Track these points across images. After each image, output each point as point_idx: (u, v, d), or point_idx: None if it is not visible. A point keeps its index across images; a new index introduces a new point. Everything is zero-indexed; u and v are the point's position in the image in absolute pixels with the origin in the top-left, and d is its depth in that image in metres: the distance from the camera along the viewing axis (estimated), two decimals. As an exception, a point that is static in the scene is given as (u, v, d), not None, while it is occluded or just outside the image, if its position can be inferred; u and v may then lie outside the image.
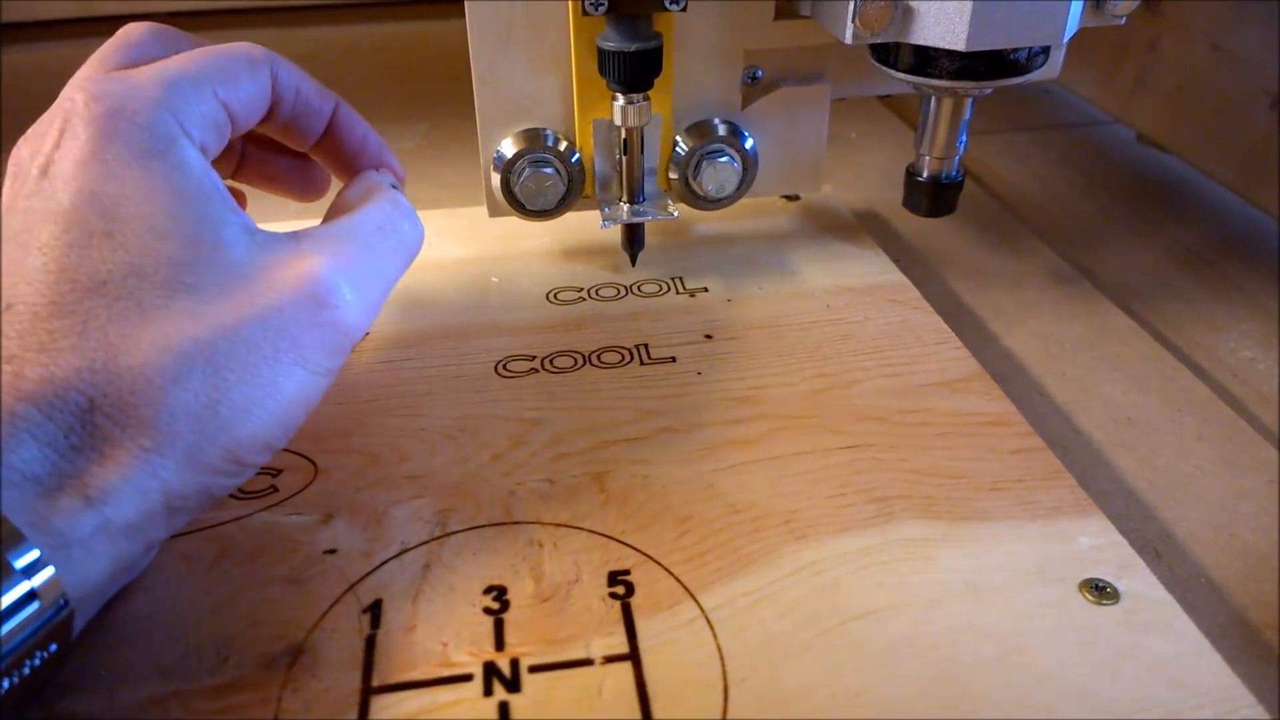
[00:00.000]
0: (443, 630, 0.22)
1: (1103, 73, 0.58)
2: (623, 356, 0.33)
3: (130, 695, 0.20)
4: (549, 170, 0.35)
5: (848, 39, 0.30)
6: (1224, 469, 0.31)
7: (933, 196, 0.35)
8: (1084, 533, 0.25)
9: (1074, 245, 0.44)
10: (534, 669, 0.21)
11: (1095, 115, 0.59)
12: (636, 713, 0.20)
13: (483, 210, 0.37)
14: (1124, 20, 0.31)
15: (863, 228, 0.41)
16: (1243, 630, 0.25)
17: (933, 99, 0.33)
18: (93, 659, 0.21)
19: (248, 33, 0.72)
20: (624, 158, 0.34)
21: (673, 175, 0.36)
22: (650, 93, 0.33)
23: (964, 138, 0.34)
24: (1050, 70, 0.35)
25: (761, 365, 0.32)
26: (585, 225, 0.40)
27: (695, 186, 0.36)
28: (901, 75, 0.31)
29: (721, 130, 0.36)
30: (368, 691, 0.21)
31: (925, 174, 0.34)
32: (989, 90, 0.32)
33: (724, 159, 0.36)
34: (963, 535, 0.25)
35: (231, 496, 0.26)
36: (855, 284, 0.36)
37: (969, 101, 0.33)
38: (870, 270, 0.37)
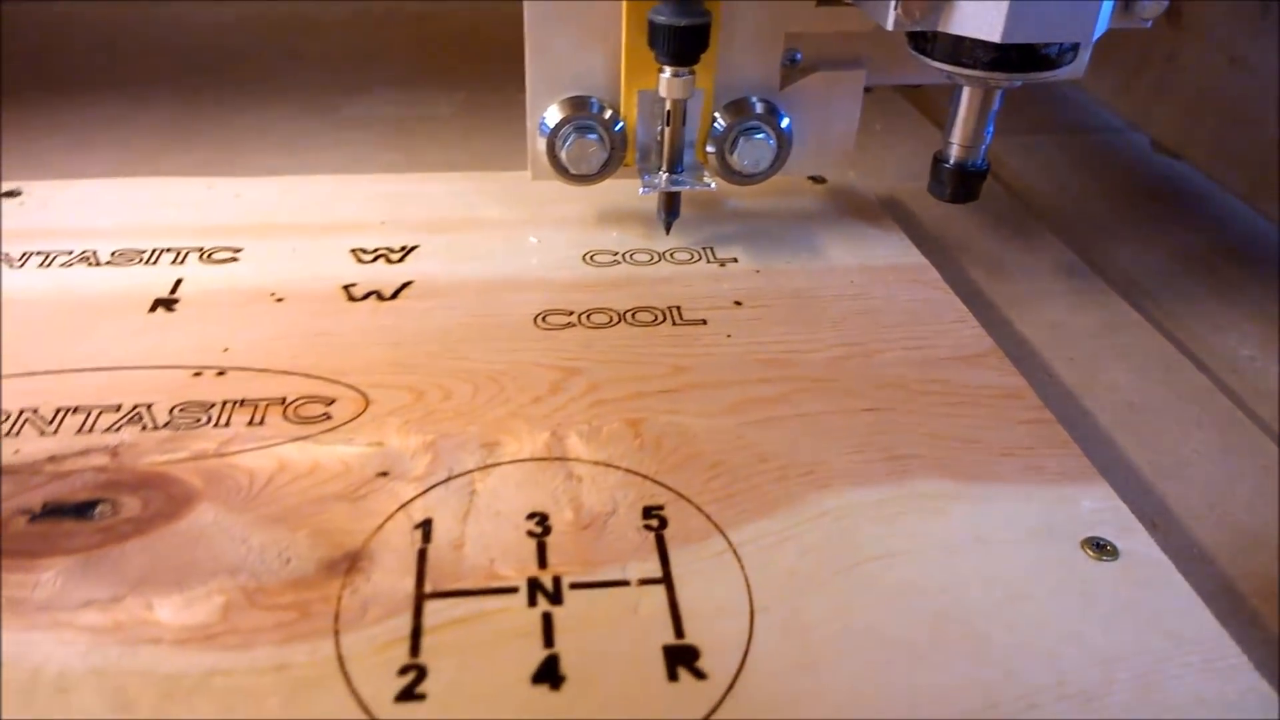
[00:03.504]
0: (489, 548, 0.24)
1: (1122, 80, 0.59)
2: (656, 317, 0.34)
3: (198, 587, 0.22)
4: (593, 137, 0.37)
5: (889, 25, 0.31)
6: (1221, 454, 0.32)
7: (957, 182, 0.36)
8: (1088, 497, 0.27)
9: (1086, 243, 0.46)
10: (574, 586, 0.23)
11: (1112, 121, 0.61)
12: (670, 630, 0.22)
13: (522, 175, 0.39)
14: (1149, 23, 0.33)
15: (885, 212, 0.42)
16: (1230, 597, 0.27)
17: (964, 89, 0.35)
18: (166, 556, 0.23)
19: (286, 3, 0.73)
20: (666, 129, 0.36)
21: (710, 149, 0.38)
22: (695, 68, 0.34)
23: (991, 129, 0.35)
24: (1076, 69, 0.36)
25: (788, 332, 0.33)
26: (622, 193, 0.41)
27: (731, 161, 0.38)
28: (936, 64, 0.33)
29: (759, 109, 0.38)
30: (421, 596, 0.22)
31: (952, 160, 0.36)
32: (1019, 83, 0.33)
33: (760, 136, 0.37)
34: (974, 494, 0.27)
35: (287, 420, 0.28)
36: (878, 263, 0.38)
37: (999, 93, 0.34)
38: (892, 252, 0.39)
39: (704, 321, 0.34)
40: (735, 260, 0.38)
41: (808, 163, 0.40)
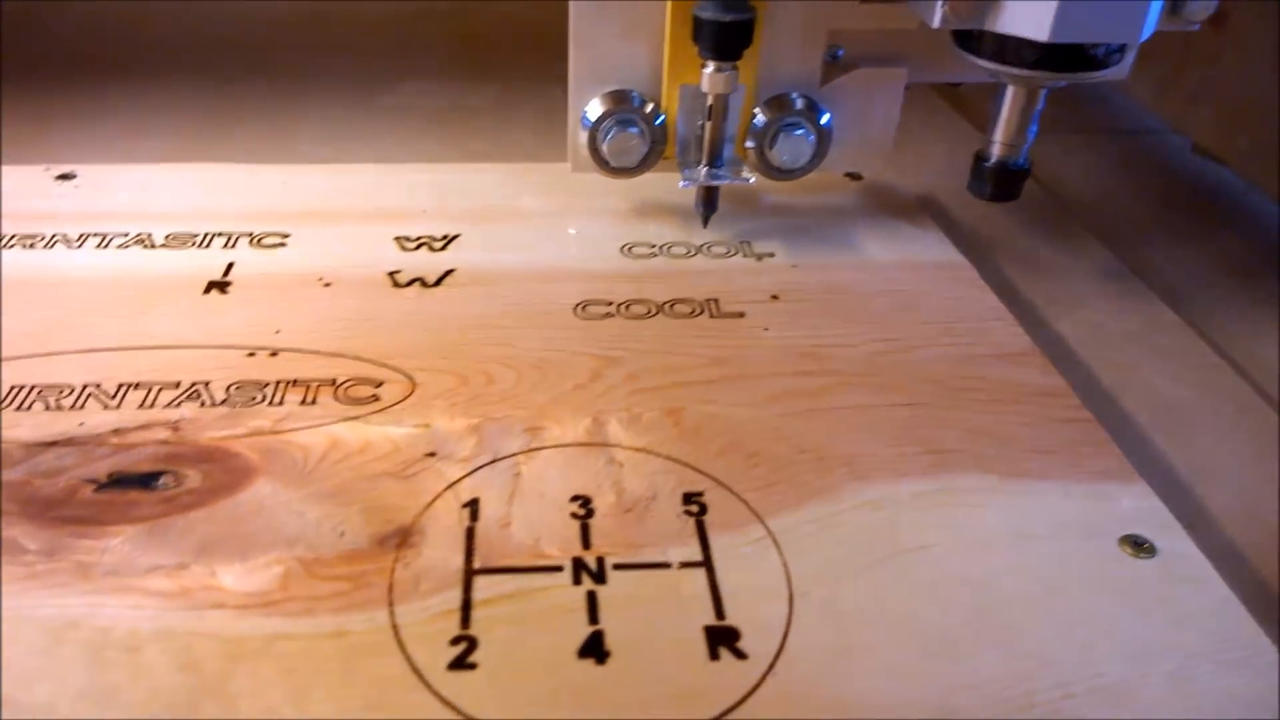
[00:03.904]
0: (535, 528, 0.24)
1: (1163, 82, 0.59)
2: (694, 309, 0.35)
3: (259, 557, 0.23)
4: (634, 130, 0.37)
5: (936, 23, 0.32)
6: (1257, 458, 0.33)
7: (998, 181, 0.36)
8: (1127, 495, 0.27)
9: (1126, 245, 0.46)
10: (617, 566, 0.23)
11: (1153, 123, 0.61)
12: (711, 612, 0.22)
13: (559, 167, 0.39)
14: (1197, 26, 0.33)
15: (922, 209, 0.43)
16: (1265, 597, 0.27)
17: (1009, 87, 0.35)
18: (227, 526, 0.24)
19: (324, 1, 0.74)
20: (707, 123, 0.36)
21: (749, 144, 0.38)
22: (738, 63, 0.35)
23: (1034, 128, 0.35)
24: (1120, 70, 0.36)
25: (825, 327, 0.34)
26: (660, 186, 0.42)
27: (770, 157, 0.38)
28: (982, 62, 0.33)
29: (799, 104, 0.38)
30: (470, 572, 0.23)
31: (993, 159, 0.36)
32: (1063, 83, 0.33)
33: (800, 132, 0.38)
34: (1012, 489, 0.27)
35: (337, 401, 0.28)
36: (916, 260, 0.38)
37: (1042, 93, 0.35)
38: (930, 249, 0.39)
39: (742, 314, 0.34)
40: (772, 255, 0.38)
41: (846, 159, 0.41)
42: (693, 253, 0.39)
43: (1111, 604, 0.23)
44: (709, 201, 0.39)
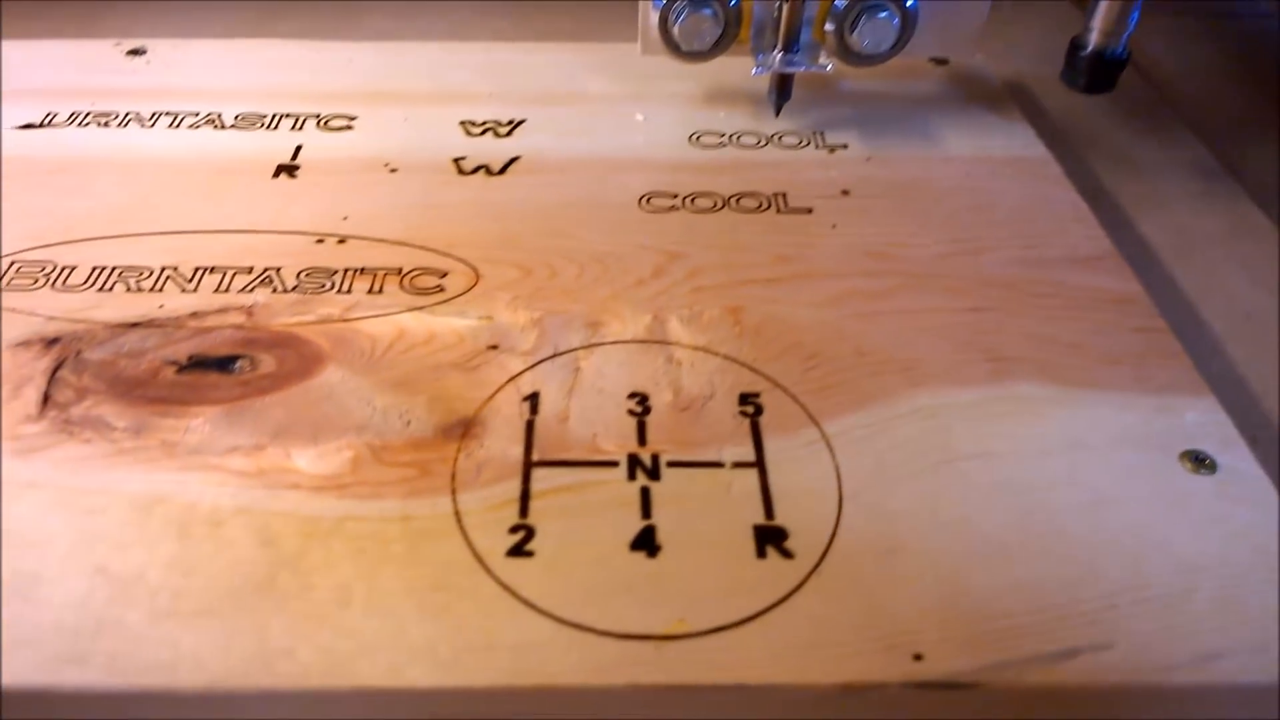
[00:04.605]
0: (592, 423, 0.25)
1: (1286, -42, 0.54)
2: (761, 203, 0.34)
3: (331, 441, 0.24)
4: (708, 12, 0.36)
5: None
6: (1338, 372, 0.31)
7: (1093, 72, 0.34)
8: (1192, 409, 0.26)
9: (1223, 140, 0.43)
10: (672, 464, 0.24)
11: (1264, 8, 0.56)
12: (761, 511, 0.23)
13: (627, 48, 0.38)
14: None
15: (1010, 99, 0.41)
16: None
17: (1108, -30, 0.33)
18: (301, 411, 0.25)
19: None
20: (784, 5, 0.35)
21: (828, 28, 0.36)
22: (819, -59, 0.33)
23: (1135, 15, 0.33)
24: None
25: (895, 225, 0.33)
26: (733, 72, 0.40)
27: (850, 42, 0.36)
28: (1080, -57, 0.31)
29: (883, -15, 0.36)
30: (529, 464, 0.24)
31: (1090, 47, 0.34)
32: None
33: (884, 14, 0.36)
34: (1074, 399, 0.27)
35: (403, 290, 0.29)
36: (997, 154, 0.37)
37: (1145, -24, 0.32)
38: (1014, 143, 0.38)
39: (809, 210, 0.34)
40: (845, 147, 0.37)
41: (931, 43, 0.39)
42: (763, 143, 0.38)
43: (1165, 518, 0.23)
44: (783, 89, 0.38)
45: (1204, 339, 0.32)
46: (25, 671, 0.19)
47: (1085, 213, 0.34)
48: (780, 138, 0.38)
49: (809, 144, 0.38)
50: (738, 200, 0.34)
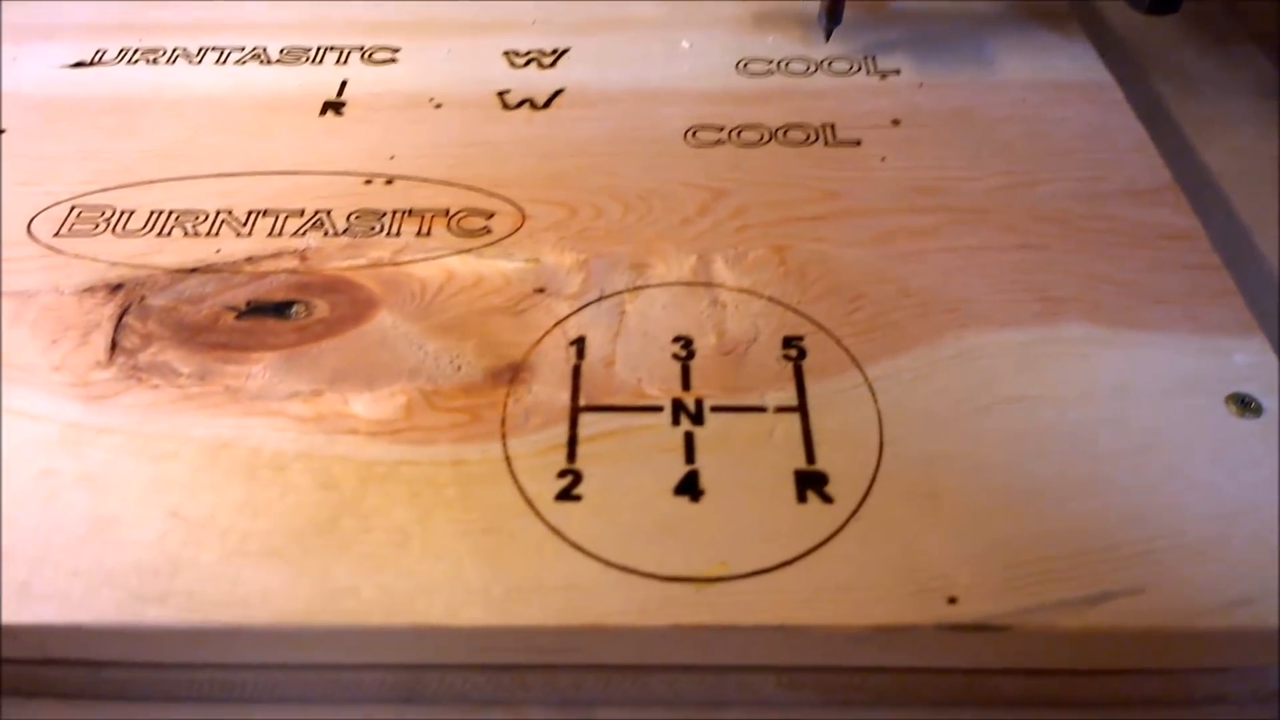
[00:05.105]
0: (637, 368, 0.25)
1: None
2: (808, 135, 0.34)
3: (385, 387, 0.25)
4: (755, -66, 0.35)
5: None
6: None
7: (1157, -9, 0.33)
8: (1241, 351, 0.26)
9: (1298, 55, 0.41)
10: (715, 409, 0.24)
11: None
12: (802, 456, 0.23)
13: (676, -31, 0.37)
14: None
15: (1073, 16, 0.39)
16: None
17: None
18: (355, 356, 0.26)
19: None
20: (834, -75, 0.34)
21: (880, -52, 0.35)
22: None
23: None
24: None
25: (947, 156, 0.32)
26: (780, -6, 0.39)
27: (902, -38, 0.35)
28: None
29: (939, -99, 0.35)
30: (576, 409, 0.24)
31: (1153, -33, 0.32)
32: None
33: (937, -66, 0.35)
34: (1122, 341, 0.26)
35: (451, 233, 0.29)
36: (1056, 78, 0.36)
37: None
38: (1074, 66, 0.36)
39: (858, 142, 0.33)
40: (897, 72, 0.36)
41: (987, -39, 0.37)
42: (811, 69, 0.37)
43: (1206, 463, 0.23)
44: (833, 12, 0.37)
45: (1259, 274, 0.32)
46: (109, 610, 0.20)
47: (1145, 142, 0.33)
48: (830, 64, 0.37)
49: (859, 70, 0.37)
50: (785, 133, 0.34)
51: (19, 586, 0.21)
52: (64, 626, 0.20)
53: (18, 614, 0.20)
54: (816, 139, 0.33)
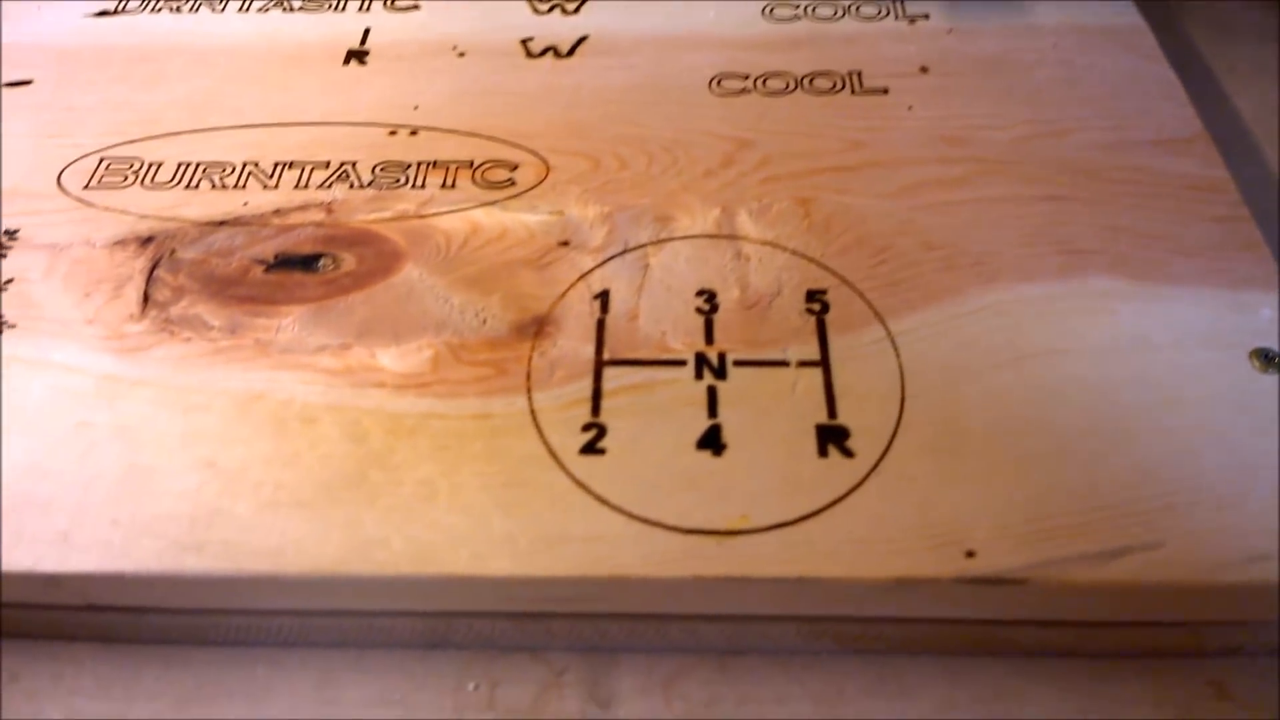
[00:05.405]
0: (661, 321, 0.26)
1: None
2: (835, 84, 0.33)
3: (412, 340, 0.25)
4: (782, -127, 0.34)
5: None
6: None
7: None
8: (1267, 304, 0.26)
9: (1343, -5, 0.40)
10: (738, 363, 0.25)
11: None
12: (823, 410, 0.24)
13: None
14: None
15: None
16: None
17: None
18: (382, 310, 0.26)
19: None
20: None
21: (910, -113, 0.34)
22: None
23: None
24: None
25: (975, 105, 0.32)
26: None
27: (933, -98, 0.34)
28: None
29: None
30: (600, 363, 0.25)
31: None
32: None
33: (970, -128, 0.34)
34: (1147, 294, 0.26)
35: (475, 185, 0.30)
36: (1088, 23, 0.35)
37: None
38: (1106, 9, 0.35)
39: (885, 90, 0.33)
40: (926, 17, 0.36)
41: (1021, -101, 0.36)
42: (839, 14, 0.36)
43: (1229, 417, 0.23)
44: (859, -45, 0.36)
45: (1293, 225, 0.31)
46: (149, 559, 0.21)
47: (1176, 89, 0.32)
48: (858, 8, 0.36)
49: (888, 15, 0.36)
50: (811, 81, 0.33)
51: (60, 536, 0.21)
52: (105, 575, 0.21)
53: (60, 563, 0.21)
54: (843, 87, 0.33)
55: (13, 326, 0.26)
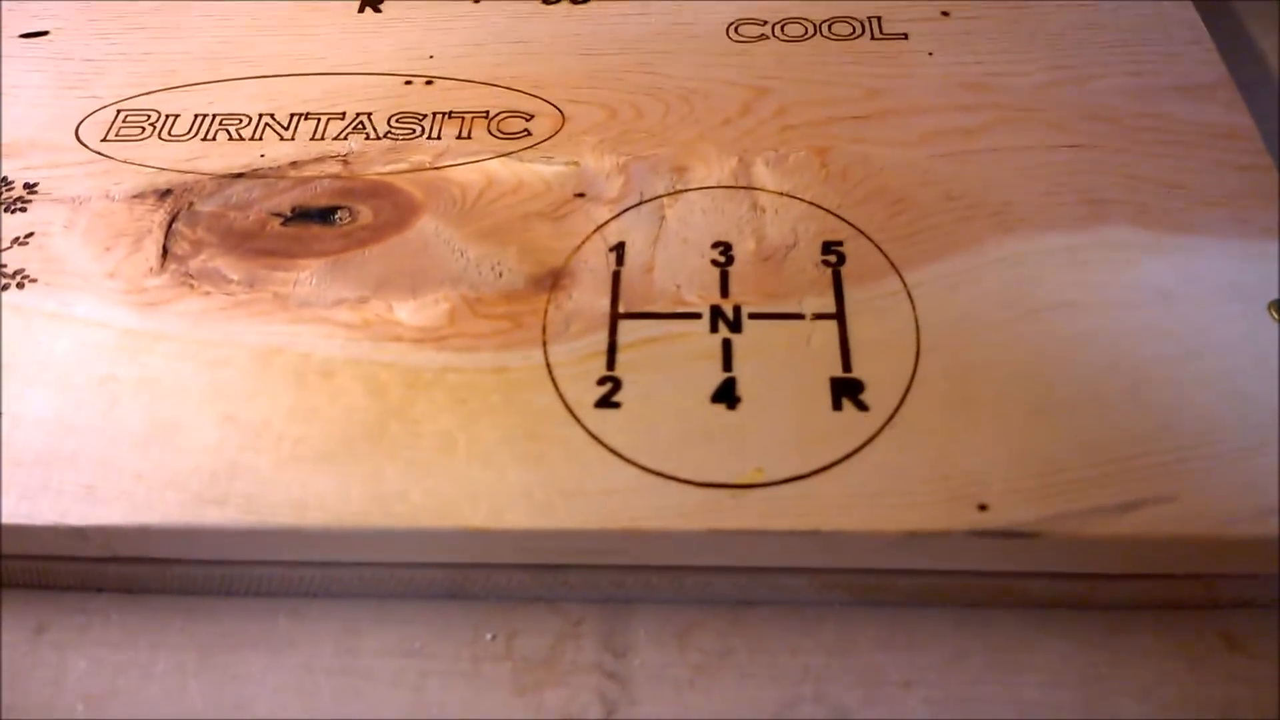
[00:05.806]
0: (677, 274, 0.26)
1: None
2: (854, 29, 0.32)
3: (429, 294, 0.25)
4: None
5: None
6: None
7: None
8: (1290, 257, 0.25)
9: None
10: (753, 316, 0.25)
11: None
12: (838, 364, 0.24)
13: None
14: None
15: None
16: None
17: None
18: (399, 263, 0.26)
19: None
20: None
21: None
22: None
23: None
24: None
25: (997, 50, 0.31)
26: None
27: None
28: None
29: None
30: (615, 316, 0.25)
31: None
32: None
33: None
34: (1168, 245, 0.26)
35: (491, 135, 0.29)
36: (1114, -35, 0.34)
37: None
38: (1133, -49, 0.35)
39: (905, 36, 0.32)
40: (948, -41, 0.35)
41: None
42: (858, -44, 0.35)
43: (1246, 370, 0.23)
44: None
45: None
46: (172, 512, 0.21)
47: (1202, 33, 0.31)
48: (877, -50, 0.35)
49: (908, -44, 0.35)
50: (830, 26, 0.33)
51: (86, 489, 0.22)
52: (130, 527, 0.21)
53: (86, 516, 0.21)
54: (862, 32, 0.32)
55: (34, 281, 0.26)
